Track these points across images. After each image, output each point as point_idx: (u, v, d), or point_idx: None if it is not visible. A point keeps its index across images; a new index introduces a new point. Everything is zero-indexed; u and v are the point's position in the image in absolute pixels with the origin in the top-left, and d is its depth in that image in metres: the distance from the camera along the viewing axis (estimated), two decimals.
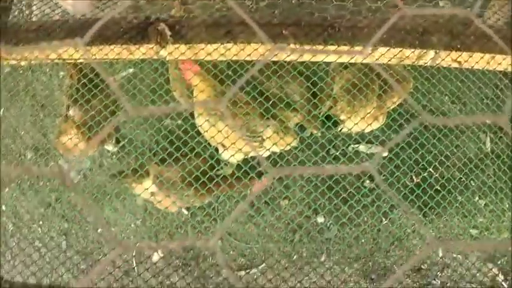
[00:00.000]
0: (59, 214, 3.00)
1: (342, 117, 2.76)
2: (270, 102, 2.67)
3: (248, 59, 2.40)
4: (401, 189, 2.64)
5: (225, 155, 2.73)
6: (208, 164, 2.69)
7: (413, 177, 2.82)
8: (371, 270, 2.85)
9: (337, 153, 2.75)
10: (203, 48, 2.42)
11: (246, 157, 2.74)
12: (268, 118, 2.69)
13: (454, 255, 2.85)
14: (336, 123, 2.74)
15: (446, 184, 2.65)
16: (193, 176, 2.62)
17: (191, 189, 2.57)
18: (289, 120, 2.75)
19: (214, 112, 2.69)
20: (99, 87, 2.81)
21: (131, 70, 3.10)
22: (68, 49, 2.62)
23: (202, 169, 2.66)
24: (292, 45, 2.49)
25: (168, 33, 2.49)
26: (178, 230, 2.78)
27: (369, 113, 2.77)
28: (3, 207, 3.09)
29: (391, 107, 2.80)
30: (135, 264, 2.75)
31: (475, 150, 2.93)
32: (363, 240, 2.87)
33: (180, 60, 2.65)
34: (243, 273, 2.75)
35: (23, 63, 2.66)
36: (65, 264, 2.85)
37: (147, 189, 2.71)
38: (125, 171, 2.83)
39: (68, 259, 2.87)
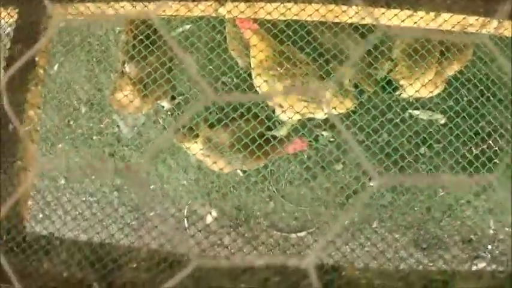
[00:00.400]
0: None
1: (401, 82, 2.74)
2: (328, 64, 2.64)
3: (309, 19, 2.36)
4: (459, 159, 2.62)
5: (281, 116, 2.72)
6: (265, 125, 2.69)
7: (473, 148, 2.79)
8: (422, 239, 2.85)
9: (395, 119, 2.72)
10: (263, 7, 2.41)
11: (302, 118, 2.72)
12: (327, 80, 2.67)
13: (506, 229, 2.83)
14: (395, 88, 2.72)
15: (504, 155, 2.62)
16: (250, 137, 2.61)
17: (245, 152, 2.56)
18: (346, 77, 2.72)
19: (272, 73, 2.67)
20: (156, 44, 2.80)
21: (188, 26, 3.09)
22: (125, 5, 2.63)
23: (258, 131, 2.65)
24: (355, 7, 2.46)
25: None
26: (232, 191, 2.78)
27: (429, 79, 2.74)
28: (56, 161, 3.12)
29: (451, 74, 2.76)
30: (187, 225, 2.76)
31: None
32: (416, 209, 2.85)
33: (238, 18, 2.64)
34: (293, 235, 2.75)
35: (79, 18, 2.67)
36: (116, 222, 2.88)
37: (199, 149, 2.71)
38: (178, 129, 2.84)
39: (120, 216, 2.89)
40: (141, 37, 2.89)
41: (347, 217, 2.50)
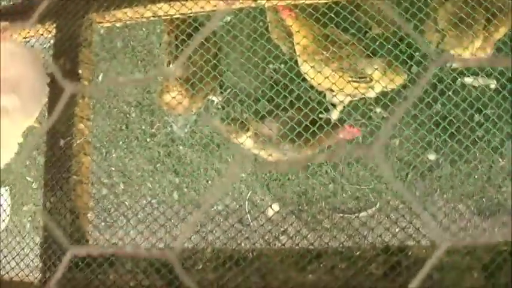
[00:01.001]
0: (169, 169, 3.06)
1: (451, 52, 2.72)
2: (374, 43, 2.64)
3: None
4: (509, 120, 2.60)
5: (333, 100, 2.72)
6: (317, 111, 2.70)
7: None
8: (484, 206, 2.82)
9: (447, 90, 2.70)
10: None
11: (354, 100, 2.72)
12: (374, 58, 2.66)
13: None
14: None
15: None
16: (302, 125, 2.63)
17: (298, 141, 2.57)
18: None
19: (318, 57, 2.67)
20: (199, 42, 2.82)
21: (228, 18, 3.10)
22: (163, 6, 2.66)
23: (310, 118, 2.66)
24: None
25: None
26: (290, 179, 2.80)
27: (477, 47, 2.71)
28: (112, 168, 3.17)
29: (499, 38, 2.73)
30: (250, 220, 2.79)
31: None
32: (475, 176, 2.82)
33: (279, 6, 2.65)
34: (353, 216, 2.75)
35: (118, 24, 2.70)
36: (178, 225, 2.92)
37: (251, 144, 2.73)
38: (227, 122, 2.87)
39: (181, 219, 2.93)
40: (182, 37, 2.92)
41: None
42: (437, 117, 2.71)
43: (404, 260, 2.35)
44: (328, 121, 2.74)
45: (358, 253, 2.52)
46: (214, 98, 3.10)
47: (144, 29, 3.40)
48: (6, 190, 3.76)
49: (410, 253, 2.40)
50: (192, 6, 2.65)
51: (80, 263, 2.91)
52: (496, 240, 2.56)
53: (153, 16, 2.71)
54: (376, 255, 2.51)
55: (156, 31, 3.36)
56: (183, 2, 2.68)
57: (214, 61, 2.92)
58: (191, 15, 2.75)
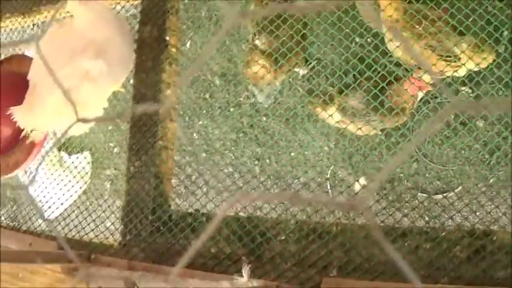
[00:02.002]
0: (251, 139, 3.10)
1: None
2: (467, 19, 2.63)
3: None
4: None
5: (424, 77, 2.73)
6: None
7: None
8: None
9: None
10: None
11: (443, 77, 2.72)
12: (464, 36, 2.66)
13: None
14: None
15: None
16: (386, 94, 2.65)
17: (382, 109, 2.59)
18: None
19: (406, 35, 2.68)
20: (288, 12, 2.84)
21: None
22: None
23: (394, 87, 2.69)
24: None
25: None
26: (373, 152, 2.81)
27: None
28: (195, 135, 3.22)
29: None
30: (329, 188, 2.82)
31: None
32: None
33: None
34: (439, 196, 2.76)
35: None
36: (258, 190, 2.96)
37: (336, 118, 2.75)
38: (312, 94, 2.89)
39: (261, 183, 2.97)
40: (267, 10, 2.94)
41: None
42: None
43: (489, 245, 2.36)
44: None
45: (443, 234, 2.53)
46: (299, 71, 3.12)
47: None
48: (87, 155, 3.87)
49: (495, 238, 2.40)
50: None
51: (161, 227, 2.99)
52: None
53: None
54: (461, 237, 2.53)
55: (241, 1, 3.38)
56: None
57: (304, 31, 2.94)
58: None
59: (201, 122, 3.33)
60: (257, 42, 3.04)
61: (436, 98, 2.94)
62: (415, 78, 2.80)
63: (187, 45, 3.47)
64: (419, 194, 2.84)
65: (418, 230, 2.60)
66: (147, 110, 3.07)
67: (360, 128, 2.81)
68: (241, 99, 3.25)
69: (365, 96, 2.80)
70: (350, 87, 2.86)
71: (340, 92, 2.93)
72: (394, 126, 2.91)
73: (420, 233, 2.58)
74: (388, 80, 2.79)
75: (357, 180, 2.89)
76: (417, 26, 2.75)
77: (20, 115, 3.09)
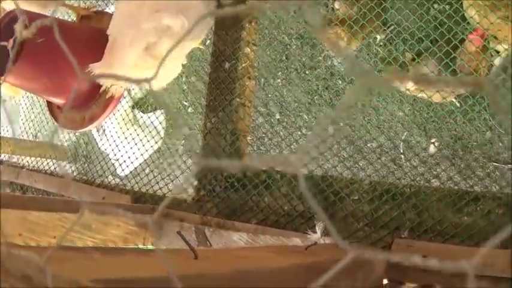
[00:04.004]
0: (326, 102, 3.20)
1: None
2: None
3: None
4: None
5: (498, 48, 2.80)
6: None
7: None
8: None
9: None
10: None
11: None
12: None
13: None
14: None
15: None
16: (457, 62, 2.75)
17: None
18: None
19: (484, 3, 2.75)
20: None
21: None
22: None
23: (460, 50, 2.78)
24: None
25: None
26: (447, 118, 2.90)
27: None
28: (270, 96, 3.33)
29: None
30: (402, 151, 2.91)
31: None
32: None
33: None
34: (509, 166, 2.84)
35: None
36: (337, 155, 3.05)
37: (411, 86, 2.84)
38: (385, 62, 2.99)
39: (340, 148, 3.07)
40: None
41: None
42: None
43: None
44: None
45: None
46: (377, 36, 3.22)
47: None
48: (161, 114, 4.00)
49: None
50: None
51: (235, 184, 3.13)
52: None
53: None
54: None
55: None
56: None
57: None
58: None
59: (277, 83, 3.44)
60: (335, 5, 3.14)
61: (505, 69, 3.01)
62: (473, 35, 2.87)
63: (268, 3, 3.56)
64: (491, 163, 2.92)
65: (491, 195, 2.69)
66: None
67: (433, 96, 2.90)
68: (317, 62, 3.35)
69: (437, 65, 2.89)
70: (422, 55, 2.95)
71: (414, 59, 3.02)
72: (469, 91, 2.99)
73: (493, 198, 2.67)
74: (459, 49, 2.87)
75: (433, 143, 2.97)
76: None
77: (99, 70, 3.22)
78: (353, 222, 2.85)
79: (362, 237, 2.80)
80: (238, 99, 3.29)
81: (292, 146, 3.24)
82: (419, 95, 2.99)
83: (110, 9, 4.25)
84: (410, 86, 2.97)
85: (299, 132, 3.31)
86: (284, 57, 3.46)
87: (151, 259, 1.72)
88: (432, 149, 3.00)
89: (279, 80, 3.45)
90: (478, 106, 3.02)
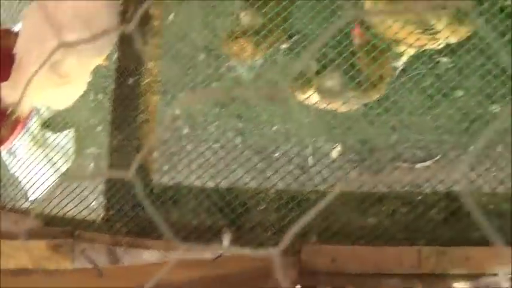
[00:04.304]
0: (233, 113, 3.19)
1: None
2: None
3: None
4: None
5: (399, 49, 2.84)
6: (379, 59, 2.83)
7: None
8: None
9: None
10: None
11: (419, 50, 2.84)
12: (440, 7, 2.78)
13: None
14: None
15: None
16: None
17: (366, 84, 2.71)
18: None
19: (387, 7, 2.80)
20: None
21: None
22: None
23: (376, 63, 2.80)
24: None
25: None
26: (355, 125, 2.92)
27: None
28: (177, 110, 3.30)
29: None
30: (308, 158, 2.92)
31: None
32: None
33: None
34: (419, 165, 2.86)
35: None
36: (242, 166, 3.04)
37: (316, 99, 2.87)
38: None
39: (246, 160, 3.05)
40: None
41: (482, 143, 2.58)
42: (504, 65, 2.81)
43: (465, 206, 2.45)
44: None
45: (419, 198, 2.64)
46: (281, 45, 3.22)
47: None
48: (70, 133, 3.94)
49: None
50: None
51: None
52: None
53: None
54: (438, 200, 2.62)
55: None
56: None
57: (288, 12, 3.04)
58: None
59: (184, 98, 3.41)
60: (242, 17, 3.14)
61: (416, 68, 3.04)
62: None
63: (170, 17, 3.54)
64: (399, 163, 2.94)
65: (395, 195, 2.71)
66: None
67: (340, 107, 2.93)
68: (222, 73, 3.34)
69: (342, 75, 2.91)
70: (328, 66, 2.98)
71: (318, 73, 3.03)
72: (375, 99, 3.01)
73: (397, 197, 2.69)
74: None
75: (335, 147, 2.99)
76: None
77: (5, 91, 3.16)
78: (261, 232, 2.84)
79: (271, 246, 2.78)
80: (142, 115, 3.26)
81: (200, 160, 3.22)
82: (325, 107, 3.01)
83: (17, 27, 4.19)
84: (316, 99, 2.99)
85: (207, 146, 3.28)
86: (190, 70, 3.44)
87: (56, 279, 1.71)
88: (335, 153, 3.02)
89: (185, 94, 3.42)
90: (385, 111, 3.05)
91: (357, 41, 2.88)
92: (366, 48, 2.84)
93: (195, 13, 3.46)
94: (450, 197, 2.61)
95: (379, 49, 2.89)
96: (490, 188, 2.73)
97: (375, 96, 2.98)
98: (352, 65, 2.89)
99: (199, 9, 3.47)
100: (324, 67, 3.01)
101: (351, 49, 2.91)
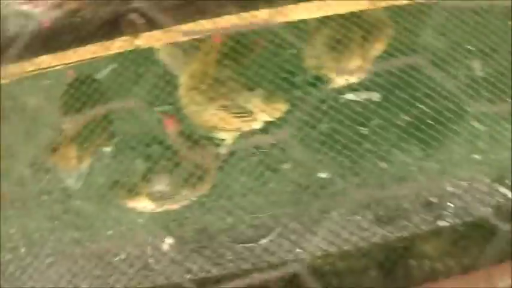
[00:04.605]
0: (68, 225, 3.13)
1: (330, 75, 2.93)
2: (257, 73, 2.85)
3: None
4: (396, 130, 2.83)
5: (220, 136, 2.88)
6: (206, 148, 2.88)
7: (405, 116, 2.98)
8: (383, 214, 2.99)
9: (330, 109, 2.91)
10: (177, 30, 2.56)
11: (241, 132, 2.89)
12: (253, 89, 2.85)
13: (463, 183, 2.99)
14: (324, 82, 2.91)
15: (442, 117, 2.82)
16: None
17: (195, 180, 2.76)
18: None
19: (200, 98, 2.85)
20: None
21: (112, 66, 3.22)
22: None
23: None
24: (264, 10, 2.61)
25: (141, 21, 2.61)
26: (189, 216, 2.95)
27: (356, 64, 2.92)
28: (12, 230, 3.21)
29: (376, 54, 2.94)
30: (150, 255, 2.91)
31: (467, 78, 3.07)
32: (368, 187, 2.99)
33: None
34: (254, 245, 2.88)
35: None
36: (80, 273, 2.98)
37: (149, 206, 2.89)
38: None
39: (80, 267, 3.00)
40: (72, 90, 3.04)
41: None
42: (323, 137, 2.91)
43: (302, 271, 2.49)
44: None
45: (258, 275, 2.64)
46: (106, 149, 3.20)
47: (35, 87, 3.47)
48: None
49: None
50: (72, 55, 2.76)
51: None
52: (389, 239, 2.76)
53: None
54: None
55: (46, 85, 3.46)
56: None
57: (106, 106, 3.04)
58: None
59: (17, 213, 3.33)
60: (62, 125, 3.11)
61: (241, 150, 3.10)
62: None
63: None
64: (236, 245, 2.96)
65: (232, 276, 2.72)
66: None
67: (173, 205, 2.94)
68: (51, 185, 3.28)
69: (169, 176, 2.93)
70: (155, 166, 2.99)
71: (144, 177, 3.02)
72: (206, 192, 3.05)
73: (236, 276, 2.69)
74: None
75: (163, 241, 2.98)
76: (207, 88, 2.93)
77: None
78: None
79: None
80: None
81: (44, 275, 3.12)
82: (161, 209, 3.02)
83: None
84: (150, 207, 2.99)
85: (47, 261, 3.19)
86: (18, 187, 3.36)
87: None
88: (166, 246, 3.01)
89: (16, 211, 3.34)
90: (214, 197, 3.08)
91: (171, 132, 2.93)
92: (183, 140, 2.89)
93: (18, 128, 3.41)
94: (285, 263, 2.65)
95: (197, 138, 2.94)
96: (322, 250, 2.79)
97: (206, 187, 3.01)
98: (177, 164, 2.92)
99: (20, 124, 3.42)
100: (150, 170, 3.03)
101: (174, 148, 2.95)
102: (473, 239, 2.97)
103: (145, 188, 2.96)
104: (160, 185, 2.92)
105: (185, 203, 3.02)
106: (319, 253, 2.76)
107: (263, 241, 3.01)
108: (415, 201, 3.11)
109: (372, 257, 2.82)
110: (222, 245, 2.96)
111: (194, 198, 3.07)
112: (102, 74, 3.40)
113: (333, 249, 2.77)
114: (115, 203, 3.11)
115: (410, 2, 2.79)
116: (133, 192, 2.94)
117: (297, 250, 2.84)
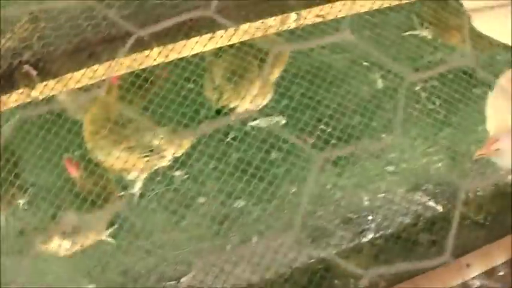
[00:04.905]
0: None
1: (231, 105, 2.95)
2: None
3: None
4: (306, 149, 2.87)
5: (129, 177, 2.87)
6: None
7: (307, 138, 3.03)
8: (307, 234, 3.02)
9: (238, 136, 2.94)
10: (71, 78, 2.55)
11: (150, 172, 2.89)
12: (158, 123, 2.86)
13: (379, 195, 3.04)
14: (227, 113, 2.94)
15: (350, 130, 2.87)
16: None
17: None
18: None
19: (104, 142, 2.85)
20: None
21: (17, 117, 3.16)
22: None
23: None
24: (156, 49, 2.63)
25: (34, 72, 2.59)
26: (109, 260, 2.92)
27: (256, 93, 2.95)
28: None
29: (275, 79, 2.99)
30: None
31: (369, 92, 3.14)
32: (285, 211, 3.02)
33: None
34: (182, 281, 2.88)
35: None
36: None
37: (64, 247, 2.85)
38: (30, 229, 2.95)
39: None
40: None
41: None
42: (235, 163, 2.94)
43: None
44: None
45: None
46: (19, 200, 3.15)
47: None
48: None
49: None
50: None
51: None
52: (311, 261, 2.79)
53: None
54: None
55: None
56: None
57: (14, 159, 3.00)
58: None
59: None
60: None
61: (153, 189, 3.10)
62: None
63: None
64: (162, 284, 2.95)
65: None
66: None
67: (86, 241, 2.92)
68: None
69: (76, 212, 2.91)
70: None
71: (53, 217, 2.99)
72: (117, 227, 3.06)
73: None
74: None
75: None
76: (109, 132, 2.93)
77: None
78: None
79: None
80: None
81: None
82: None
83: None
84: (67, 246, 2.95)
85: None
86: None
87: None
88: None
89: None
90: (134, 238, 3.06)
91: (77, 178, 2.93)
92: (90, 186, 2.89)
93: None
94: None
95: (105, 183, 2.94)
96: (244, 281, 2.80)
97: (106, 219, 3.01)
98: (85, 199, 2.90)
99: None
100: (58, 208, 2.99)
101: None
102: (395, 251, 3.03)
103: (56, 228, 2.93)
104: (70, 222, 2.89)
105: (98, 238, 3.03)
106: (242, 284, 2.77)
107: (186, 278, 3.01)
108: (333, 219, 3.16)
109: (294, 282, 2.85)
110: (147, 286, 2.95)
111: (109, 239, 3.09)
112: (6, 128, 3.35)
113: (255, 279, 2.79)
114: (30, 251, 3.06)
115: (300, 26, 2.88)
116: (46, 235, 2.91)
117: (220, 284, 2.85)
